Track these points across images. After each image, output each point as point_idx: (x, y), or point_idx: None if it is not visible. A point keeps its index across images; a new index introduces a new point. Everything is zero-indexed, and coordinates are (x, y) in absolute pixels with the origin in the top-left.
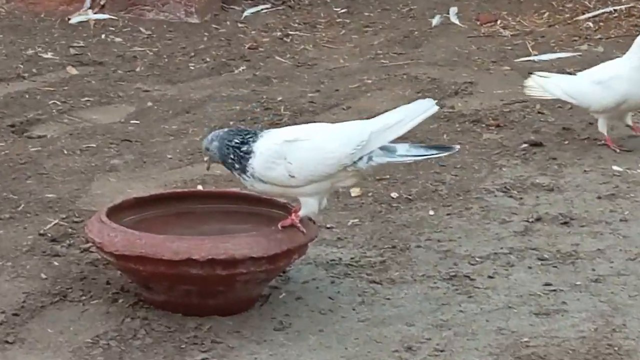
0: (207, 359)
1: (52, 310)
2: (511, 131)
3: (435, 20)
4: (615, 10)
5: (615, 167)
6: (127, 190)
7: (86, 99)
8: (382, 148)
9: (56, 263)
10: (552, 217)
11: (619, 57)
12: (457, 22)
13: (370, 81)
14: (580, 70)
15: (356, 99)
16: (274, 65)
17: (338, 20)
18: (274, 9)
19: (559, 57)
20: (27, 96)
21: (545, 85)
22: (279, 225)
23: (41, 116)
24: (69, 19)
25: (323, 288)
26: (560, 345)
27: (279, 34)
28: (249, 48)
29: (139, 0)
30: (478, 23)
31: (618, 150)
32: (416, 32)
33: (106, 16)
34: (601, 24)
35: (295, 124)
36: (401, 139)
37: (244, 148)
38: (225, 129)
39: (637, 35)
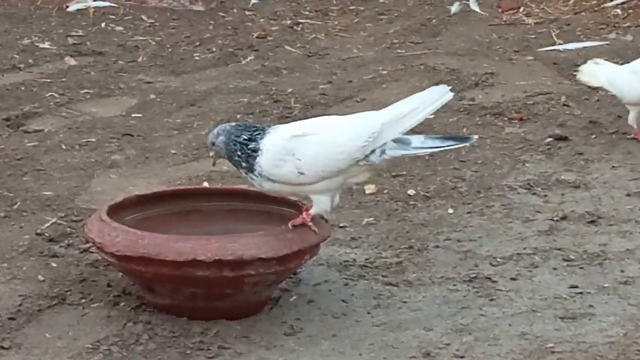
0: None
1: (50, 314)
2: (535, 124)
3: (454, 8)
4: None
5: None
6: (128, 188)
7: (85, 91)
8: (395, 140)
9: (54, 264)
10: (579, 215)
11: None
12: (477, 9)
13: (385, 72)
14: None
15: (370, 90)
16: (284, 55)
17: (351, 7)
18: None
19: (585, 46)
20: (23, 88)
21: (595, 72)
22: (290, 224)
23: (38, 109)
24: (67, 7)
25: (336, 290)
26: (587, 351)
27: (288, 22)
28: (257, 37)
29: None
30: (499, 10)
31: None
32: (434, 20)
33: (106, 4)
34: (630, 11)
35: (306, 117)
36: (416, 132)
37: (252, 145)
38: (233, 123)
39: None
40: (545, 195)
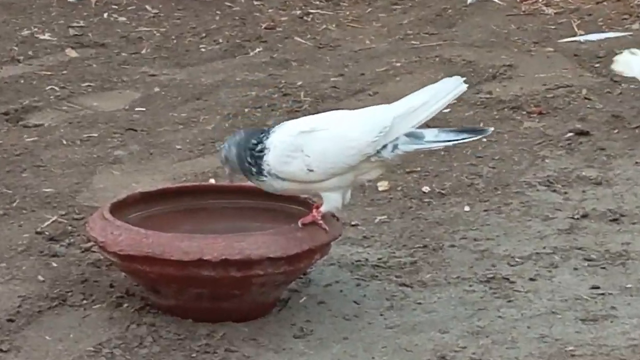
0: None
1: (51, 316)
2: (555, 119)
3: None
4: None
5: None
6: (132, 184)
7: (87, 84)
8: (408, 135)
9: (55, 264)
10: (600, 213)
11: None
12: None
13: (399, 64)
14: None
15: (384, 83)
16: (293, 47)
17: None
18: None
19: (607, 37)
20: (22, 81)
21: (630, 62)
22: (299, 223)
23: (38, 103)
24: None
25: (347, 291)
26: (609, 354)
27: (298, 12)
28: (265, 28)
29: None
30: (518, 0)
31: None
32: (450, 10)
33: None
34: None
35: (317, 111)
36: (430, 126)
37: (259, 147)
38: (242, 134)
39: None
40: (566, 193)
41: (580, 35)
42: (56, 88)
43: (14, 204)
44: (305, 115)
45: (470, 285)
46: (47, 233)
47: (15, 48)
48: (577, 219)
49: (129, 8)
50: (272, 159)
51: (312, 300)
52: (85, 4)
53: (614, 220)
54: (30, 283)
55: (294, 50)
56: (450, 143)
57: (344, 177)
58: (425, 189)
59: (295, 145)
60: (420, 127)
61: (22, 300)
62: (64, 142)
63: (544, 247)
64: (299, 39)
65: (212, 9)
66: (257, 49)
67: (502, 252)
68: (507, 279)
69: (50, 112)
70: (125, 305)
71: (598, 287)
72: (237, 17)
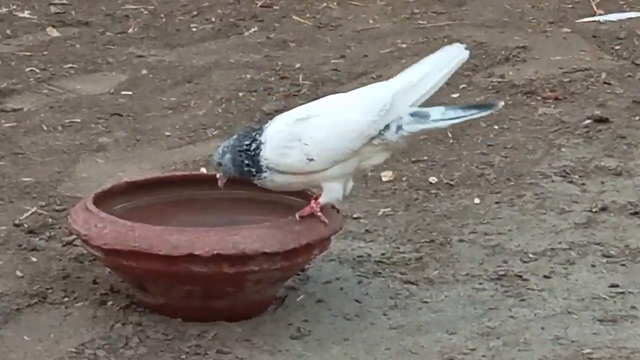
0: None
1: (30, 314)
2: (572, 105)
3: None
4: None
5: None
6: (117, 174)
7: (69, 65)
8: (413, 114)
9: (34, 259)
10: (620, 206)
11: None
12: None
13: (404, 45)
14: None
15: (388, 66)
16: (291, 27)
17: None
18: None
19: (629, 18)
20: None
21: None
22: (297, 215)
23: (16, 86)
24: None
25: (348, 289)
26: (629, 357)
27: None
28: (261, 6)
29: None
30: None
31: None
32: None
33: None
34: None
35: (316, 95)
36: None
37: (254, 146)
38: (234, 136)
39: None
40: (583, 184)
41: (600, 14)
42: (36, 70)
43: None
44: (304, 100)
45: (480, 283)
46: (26, 225)
47: None
48: (595, 212)
49: None
50: (269, 152)
51: (310, 298)
52: None
53: (635, 213)
54: (8, 279)
55: (292, 30)
56: (459, 120)
57: (347, 164)
58: (432, 179)
59: (293, 135)
60: (425, 105)
61: None
62: (45, 127)
63: (560, 243)
64: (297, 18)
65: None
66: (253, 29)
67: (515, 248)
68: (520, 276)
69: (30, 96)
70: (110, 303)
71: (617, 286)
72: None
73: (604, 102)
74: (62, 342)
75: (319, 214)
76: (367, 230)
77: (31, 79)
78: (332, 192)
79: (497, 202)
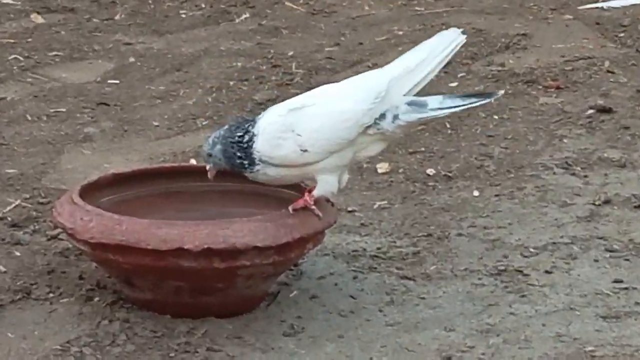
0: None
1: (13, 311)
2: (574, 94)
3: None
4: None
5: None
6: (104, 165)
7: (54, 53)
8: (410, 103)
9: (18, 253)
10: (624, 199)
11: None
12: None
13: (401, 32)
14: None
15: (384, 54)
16: (284, 13)
17: None
18: None
19: (633, 4)
20: None
21: None
22: (290, 208)
23: None
24: None
25: (343, 285)
26: (633, 355)
27: None
28: None
29: None
30: None
31: None
32: None
33: None
34: None
35: (310, 84)
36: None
37: (246, 137)
38: (225, 126)
39: None
40: (586, 176)
41: (603, 1)
42: (20, 58)
43: None
44: (297, 89)
45: (480, 279)
46: (9, 219)
47: None
48: (598, 205)
49: None
50: (261, 144)
51: (303, 294)
52: None
53: (639, 206)
54: None
55: (284, 17)
56: (457, 109)
57: (342, 155)
58: (430, 171)
59: (286, 125)
60: (422, 94)
61: None
62: (29, 117)
63: (562, 237)
64: (290, 4)
65: None
66: (244, 15)
67: (515, 242)
68: (520, 271)
69: (14, 85)
70: (97, 299)
71: (621, 281)
72: None
73: (607, 92)
74: (47, 339)
75: (313, 207)
76: (362, 224)
77: (15, 67)
78: (326, 184)
79: (496, 195)
